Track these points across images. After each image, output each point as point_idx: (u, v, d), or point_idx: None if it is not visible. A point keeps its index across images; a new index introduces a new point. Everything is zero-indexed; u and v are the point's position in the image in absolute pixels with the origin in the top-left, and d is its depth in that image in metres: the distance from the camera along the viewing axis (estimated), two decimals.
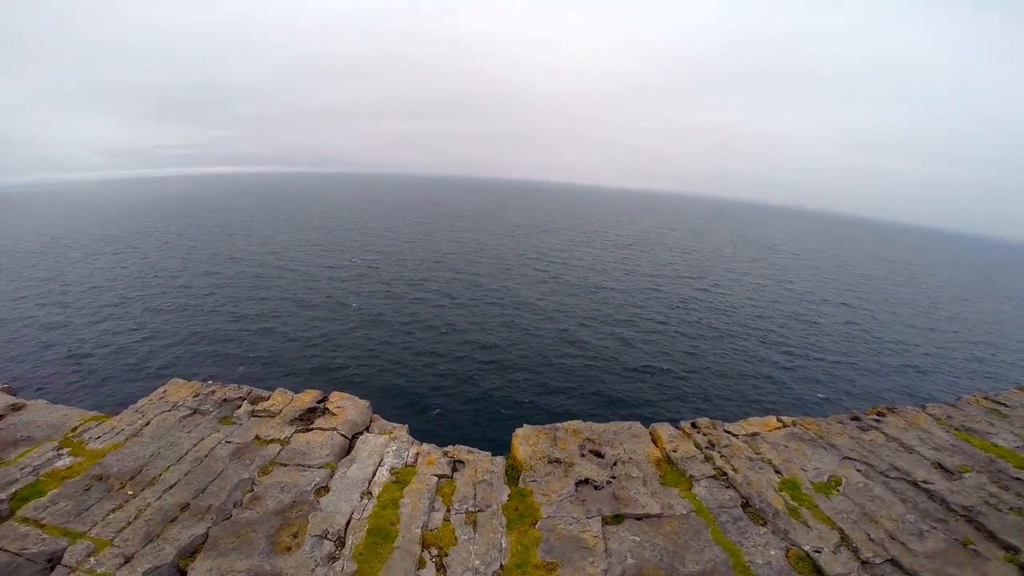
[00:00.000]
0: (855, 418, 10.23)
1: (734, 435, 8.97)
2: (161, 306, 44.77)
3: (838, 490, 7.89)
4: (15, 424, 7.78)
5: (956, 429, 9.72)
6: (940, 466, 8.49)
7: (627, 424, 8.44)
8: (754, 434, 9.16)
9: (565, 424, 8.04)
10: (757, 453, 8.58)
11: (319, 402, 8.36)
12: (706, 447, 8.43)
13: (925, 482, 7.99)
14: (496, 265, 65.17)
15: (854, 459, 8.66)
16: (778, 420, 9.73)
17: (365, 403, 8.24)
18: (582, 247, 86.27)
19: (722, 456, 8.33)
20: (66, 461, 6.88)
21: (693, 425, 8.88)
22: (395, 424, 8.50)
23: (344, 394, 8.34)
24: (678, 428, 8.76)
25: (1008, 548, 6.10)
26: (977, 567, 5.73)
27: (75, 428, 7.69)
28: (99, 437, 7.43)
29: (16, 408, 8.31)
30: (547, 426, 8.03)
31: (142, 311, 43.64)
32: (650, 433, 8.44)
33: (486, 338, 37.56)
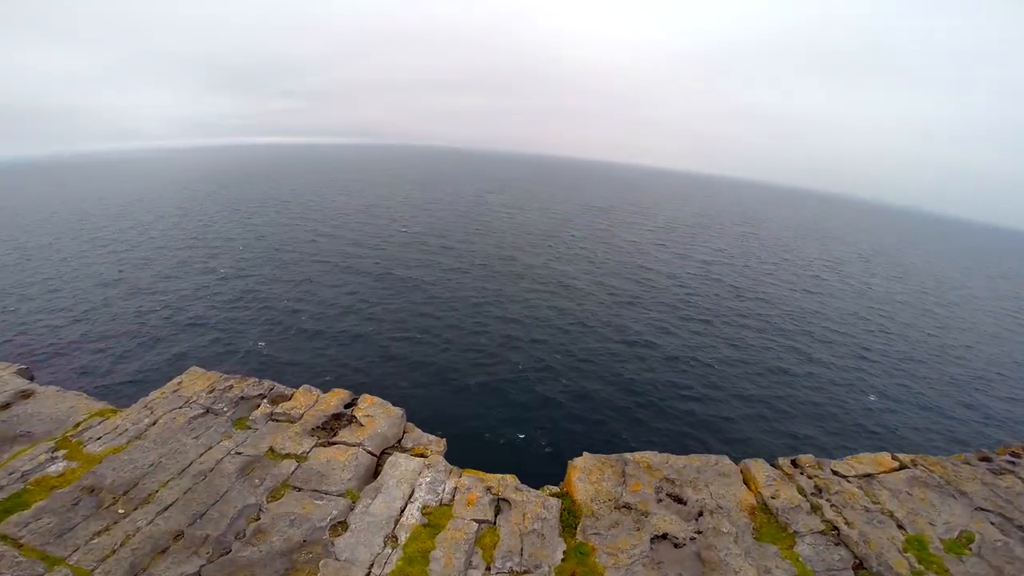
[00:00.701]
0: (984, 458, 8.28)
1: (844, 477, 7.24)
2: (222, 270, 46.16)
3: (971, 549, 6.28)
4: (19, 416, 7.02)
5: None
6: None
7: (712, 459, 6.85)
8: (867, 476, 7.39)
9: (636, 456, 6.53)
10: (875, 502, 6.85)
11: (347, 406, 7.20)
12: (812, 493, 6.75)
13: None
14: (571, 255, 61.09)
15: (988, 510, 6.92)
16: (893, 458, 7.90)
17: (399, 412, 7.01)
18: (660, 238, 79.95)
19: (832, 506, 6.65)
20: (59, 467, 6.00)
21: (794, 464, 7.18)
22: (431, 437, 7.26)
23: (375, 399, 7.13)
24: (774, 467, 7.09)
25: None
26: None
27: (78, 425, 6.85)
28: (100, 437, 6.54)
29: (26, 395, 7.59)
30: (614, 457, 6.55)
31: (201, 271, 45.05)
32: (741, 472, 6.82)
33: (539, 334, 34.83)
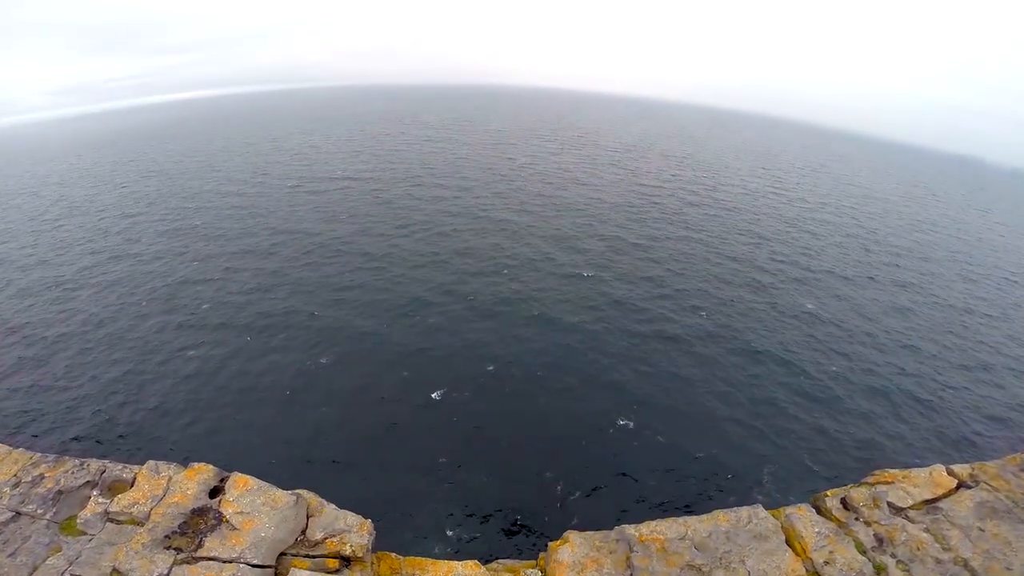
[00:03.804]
0: None
1: (903, 512, 5.62)
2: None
3: None
4: None
5: None
6: None
7: (744, 514, 5.03)
8: (929, 503, 5.84)
9: (643, 532, 4.59)
10: (946, 548, 5.29)
11: (212, 493, 4.89)
12: (873, 548, 5.08)
13: None
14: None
15: None
16: (948, 472, 6.38)
17: (288, 500, 4.75)
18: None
19: (899, 562, 5.04)
20: None
21: (844, 504, 5.46)
22: (351, 518, 5.08)
23: (251, 480, 4.84)
24: (821, 513, 5.36)
25: None
26: None
27: None
28: None
29: None
30: (613, 535, 4.61)
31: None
32: (783, 530, 5.02)
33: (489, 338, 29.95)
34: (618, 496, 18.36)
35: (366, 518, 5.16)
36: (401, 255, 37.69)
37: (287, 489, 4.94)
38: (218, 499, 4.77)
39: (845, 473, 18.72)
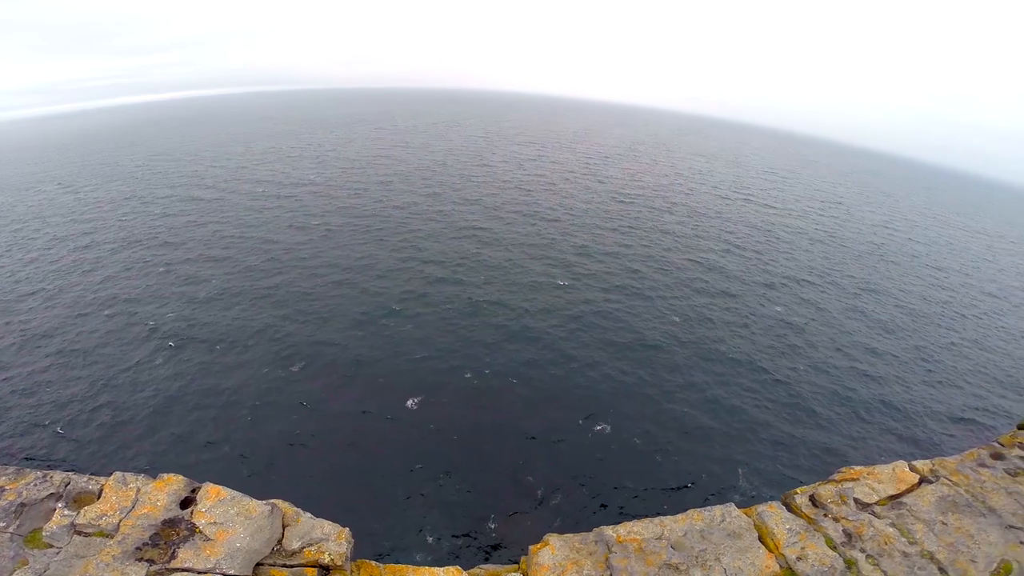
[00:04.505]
0: (997, 456, 7.24)
1: (869, 507, 5.84)
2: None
3: None
4: None
5: None
6: None
7: (716, 512, 5.16)
8: (894, 499, 6.08)
9: (621, 533, 4.67)
10: (912, 542, 5.51)
11: (183, 504, 4.79)
12: (843, 543, 5.26)
13: None
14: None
15: (1018, 528, 5.85)
16: (911, 468, 6.65)
17: (263, 510, 4.68)
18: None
19: (869, 556, 5.22)
20: None
21: (813, 501, 5.65)
22: (328, 527, 5.04)
23: (223, 491, 4.76)
24: (791, 510, 5.54)
25: None
26: None
27: None
28: None
29: None
30: (592, 536, 4.67)
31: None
32: (756, 528, 5.17)
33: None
34: (597, 499, 18.55)
35: (343, 527, 5.11)
36: (373, 263, 37.35)
37: (261, 499, 4.87)
38: (190, 510, 4.66)
39: (813, 471, 19.32)
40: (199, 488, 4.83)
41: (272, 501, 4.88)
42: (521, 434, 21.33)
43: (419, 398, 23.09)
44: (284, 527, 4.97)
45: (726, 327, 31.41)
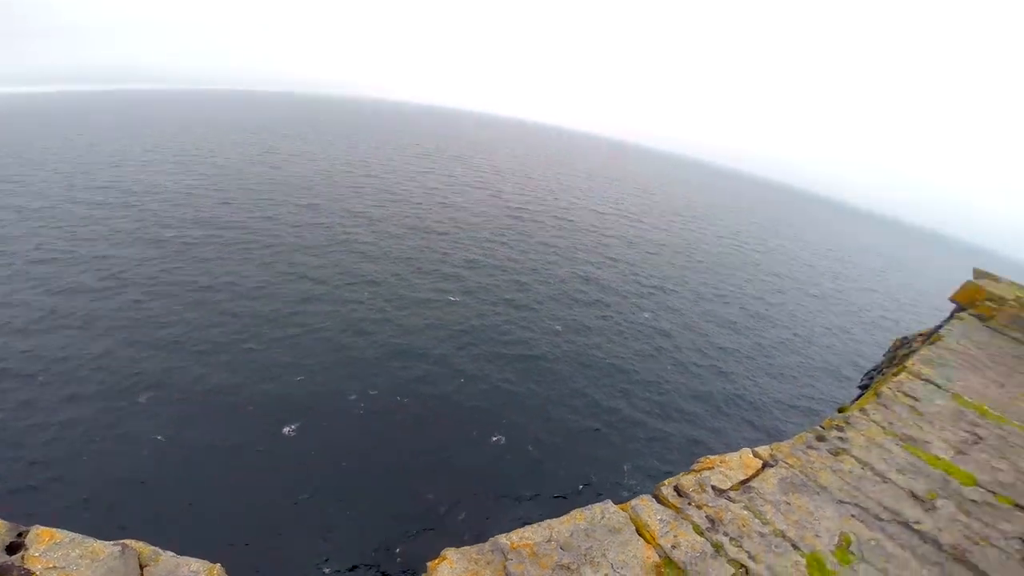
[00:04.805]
0: (820, 438, 8.63)
1: (724, 492, 6.63)
2: None
3: (853, 553, 6.15)
4: None
5: (903, 441, 8.64)
6: (913, 495, 7.37)
7: (597, 511, 5.54)
8: (744, 483, 6.94)
9: (515, 540, 4.80)
10: (765, 522, 6.33)
11: (11, 549, 4.01)
12: (708, 529, 5.90)
13: (916, 523, 6.52)
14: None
15: (847, 502, 7.03)
16: (754, 454, 7.68)
17: (112, 551, 4.06)
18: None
19: (732, 539, 5.89)
20: None
21: (677, 491, 6.29)
22: (197, 563, 4.50)
23: (57, 532, 4.05)
24: (661, 502, 6.12)
25: None
26: None
27: None
28: None
29: None
30: (487, 547, 4.73)
31: None
32: (632, 522, 5.63)
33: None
34: (497, 509, 18.73)
35: (214, 563, 4.60)
36: (240, 281, 34.10)
37: (110, 540, 4.22)
38: (20, 555, 3.90)
39: (683, 464, 21.48)
40: (26, 532, 4.06)
41: (122, 541, 4.26)
42: (416, 452, 20.82)
43: (296, 424, 21.45)
44: (143, 567, 4.35)
45: (602, 336, 33.88)
